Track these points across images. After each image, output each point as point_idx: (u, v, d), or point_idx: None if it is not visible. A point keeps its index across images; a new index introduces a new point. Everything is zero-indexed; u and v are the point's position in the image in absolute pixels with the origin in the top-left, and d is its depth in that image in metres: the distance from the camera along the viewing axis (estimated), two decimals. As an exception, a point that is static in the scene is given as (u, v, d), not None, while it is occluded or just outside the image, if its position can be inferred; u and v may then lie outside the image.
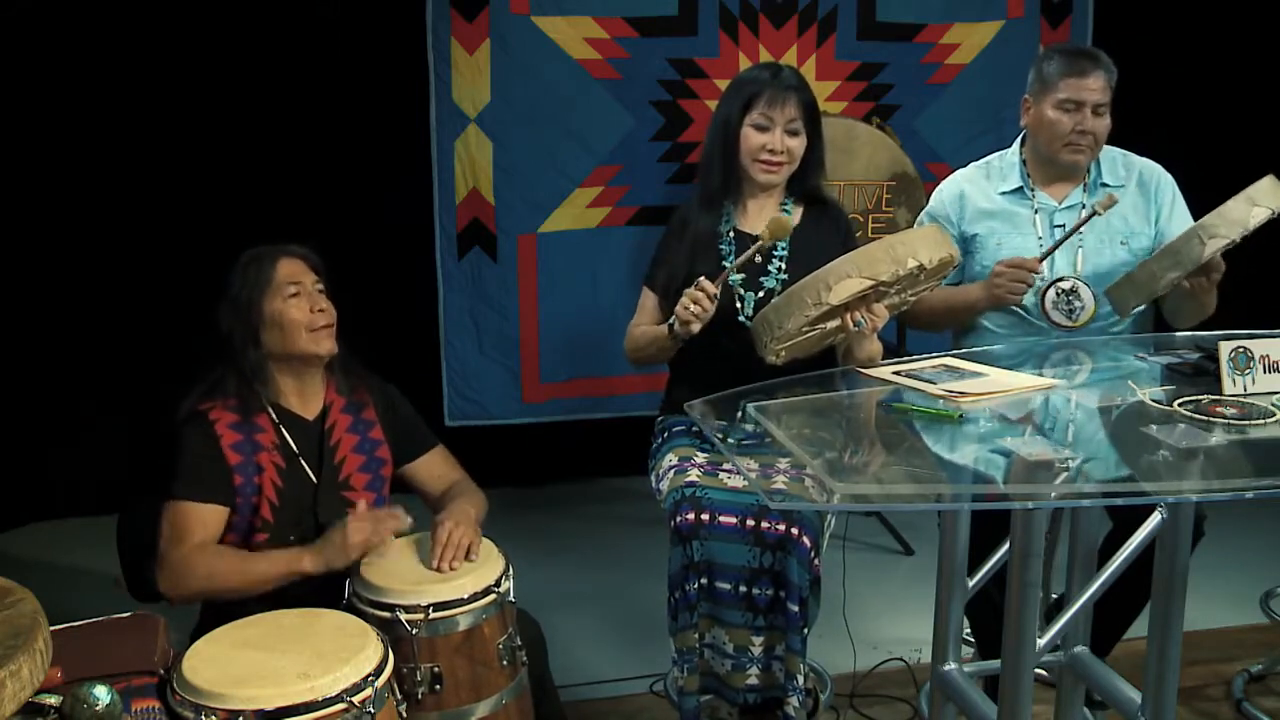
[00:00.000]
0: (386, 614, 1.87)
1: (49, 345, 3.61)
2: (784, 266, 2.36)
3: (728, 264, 2.35)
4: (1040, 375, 2.16)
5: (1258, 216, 2.16)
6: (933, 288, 2.31)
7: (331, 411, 2.14)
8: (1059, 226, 2.47)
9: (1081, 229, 2.36)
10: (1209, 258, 2.18)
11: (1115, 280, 2.35)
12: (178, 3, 3.45)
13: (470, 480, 2.28)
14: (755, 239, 2.38)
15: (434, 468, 2.27)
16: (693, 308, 2.16)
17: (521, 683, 2.02)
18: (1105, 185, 2.48)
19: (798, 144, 2.34)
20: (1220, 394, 1.92)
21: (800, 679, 2.11)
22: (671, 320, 2.23)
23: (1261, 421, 1.83)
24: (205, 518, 1.97)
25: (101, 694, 1.46)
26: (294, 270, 2.08)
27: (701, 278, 2.19)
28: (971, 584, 2.05)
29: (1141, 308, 2.42)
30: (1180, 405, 1.87)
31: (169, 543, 1.95)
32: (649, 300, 2.46)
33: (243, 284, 2.06)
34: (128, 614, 1.80)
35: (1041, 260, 2.35)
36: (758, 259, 2.35)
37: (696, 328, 2.19)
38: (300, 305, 2.06)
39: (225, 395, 2.05)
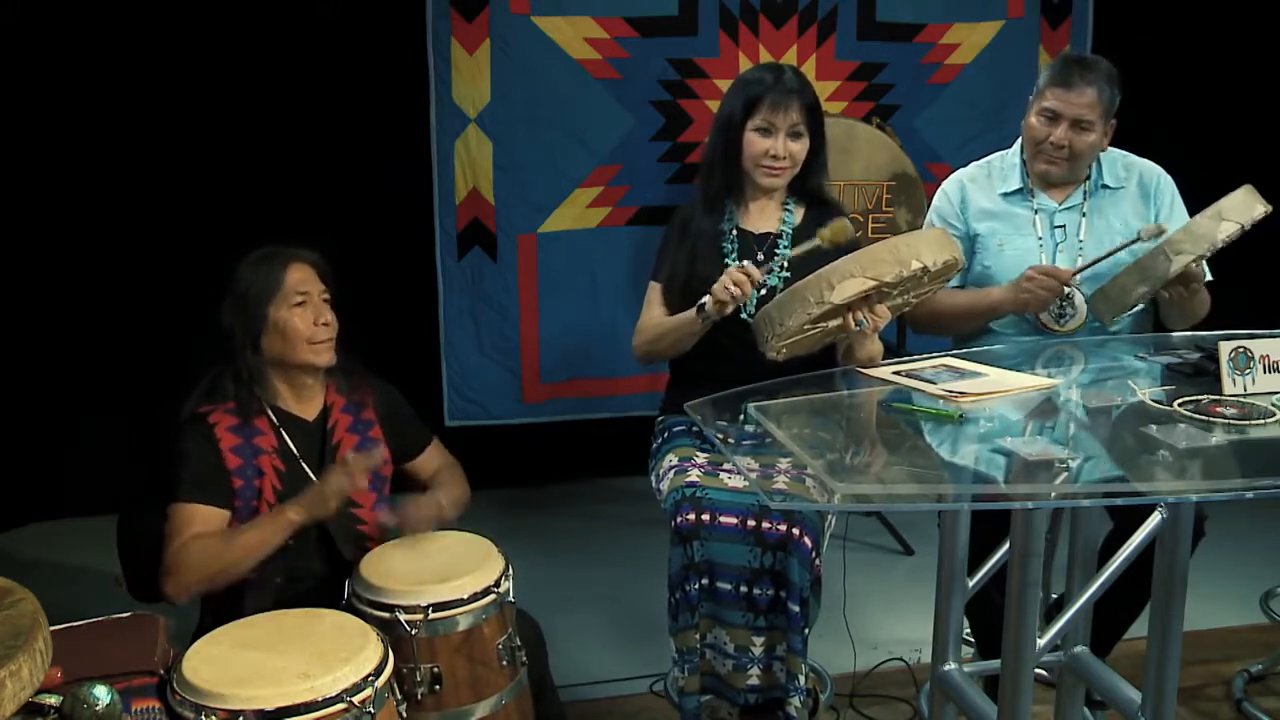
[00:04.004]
0: (386, 614, 1.87)
1: (50, 346, 3.60)
2: (785, 265, 2.36)
3: (731, 265, 2.34)
4: (1040, 375, 2.16)
5: (1226, 231, 2.15)
6: (936, 290, 2.31)
7: (332, 412, 2.14)
8: (1059, 227, 2.47)
9: (1119, 244, 2.36)
10: (1175, 274, 2.18)
11: (1091, 294, 2.36)
12: (178, 3, 3.45)
13: (457, 468, 2.31)
14: (758, 237, 2.39)
15: (431, 462, 2.29)
16: (733, 289, 2.14)
17: (521, 683, 2.02)
18: (1105, 187, 2.48)
19: (800, 147, 2.34)
20: (1220, 394, 1.92)
21: (801, 679, 2.11)
22: (703, 301, 2.21)
23: (1261, 421, 1.83)
24: (208, 519, 1.97)
25: (101, 694, 1.46)
26: (303, 278, 2.07)
27: (747, 262, 2.18)
28: (971, 584, 2.05)
29: (1124, 317, 2.42)
30: (1180, 405, 1.87)
31: (169, 543, 1.95)
32: (656, 294, 2.45)
33: (250, 284, 2.05)
34: (128, 614, 1.79)
35: (1076, 274, 2.35)
36: (777, 264, 2.35)
37: (730, 309, 2.18)
38: (305, 316, 2.05)
39: (225, 398, 2.04)
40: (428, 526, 2.11)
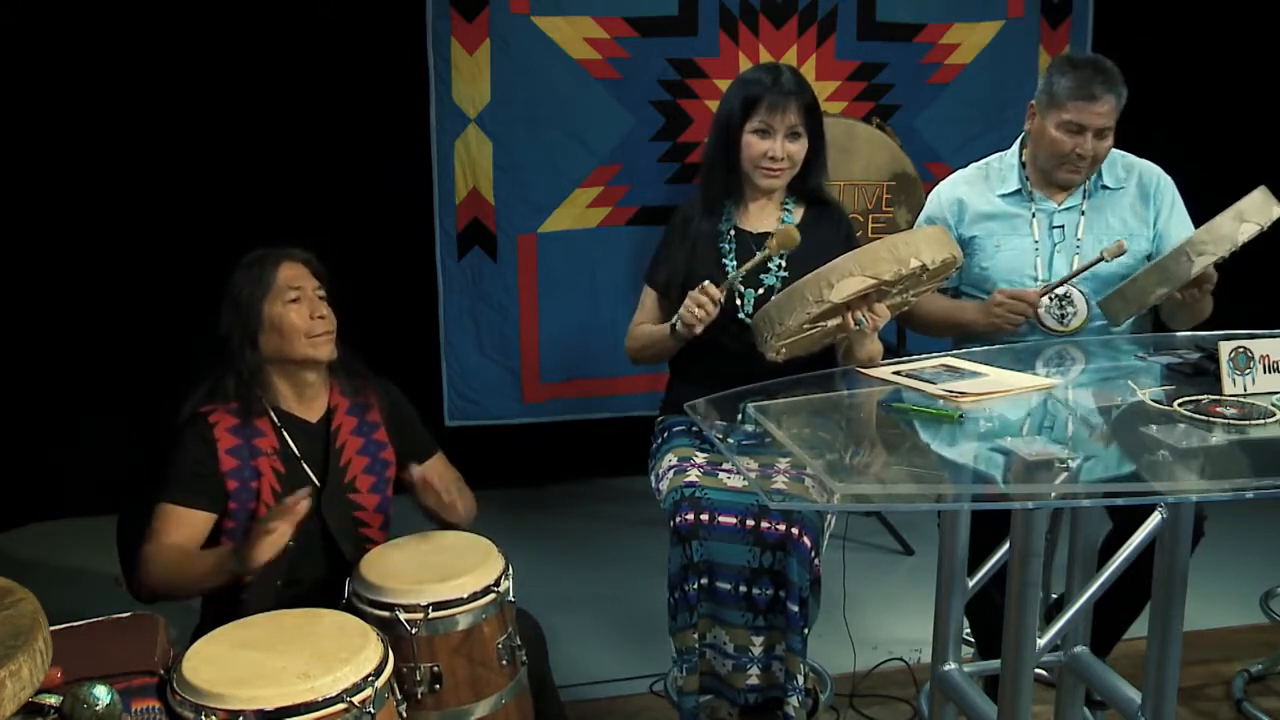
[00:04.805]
0: (386, 613, 1.87)
1: (49, 345, 3.60)
2: (784, 265, 2.36)
3: (730, 265, 2.35)
4: (1040, 375, 2.16)
5: (1246, 232, 2.16)
6: (935, 288, 2.31)
7: (337, 414, 2.13)
8: (1057, 228, 2.47)
9: (1083, 264, 2.36)
10: (1197, 274, 2.18)
11: (1107, 294, 2.36)
12: (178, 3, 3.45)
13: (463, 482, 2.28)
14: (756, 237, 2.39)
15: (437, 472, 2.26)
16: (697, 311, 2.17)
17: (521, 682, 2.02)
18: (1105, 187, 2.48)
19: (798, 148, 2.34)
20: (1220, 394, 1.92)
21: (800, 679, 2.11)
22: (674, 321, 2.23)
23: (1261, 421, 1.83)
24: (187, 521, 1.97)
25: (101, 694, 1.46)
26: (295, 274, 2.07)
27: (706, 282, 2.19)
28: (971, 584, 2.05)
29: (1134, 317, 2.42)
30: (1180, 405, 1.87)
31: (146, 540, 1.96)
32: (649, 298, 2.47)
33: (243, 286, 2.05)
34: (128, 614, 1.79)
35: (1043, 295, 2.36)
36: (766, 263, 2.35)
37: (699, 329, 2.20)
38: (300, 311, 2.05)
39: (226, 398, 2.04)
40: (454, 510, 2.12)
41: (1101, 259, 2.32)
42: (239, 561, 1.86)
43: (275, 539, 1.84)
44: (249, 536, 1.88)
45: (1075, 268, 2.38)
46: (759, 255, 2.22)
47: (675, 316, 2.23)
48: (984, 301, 2.42)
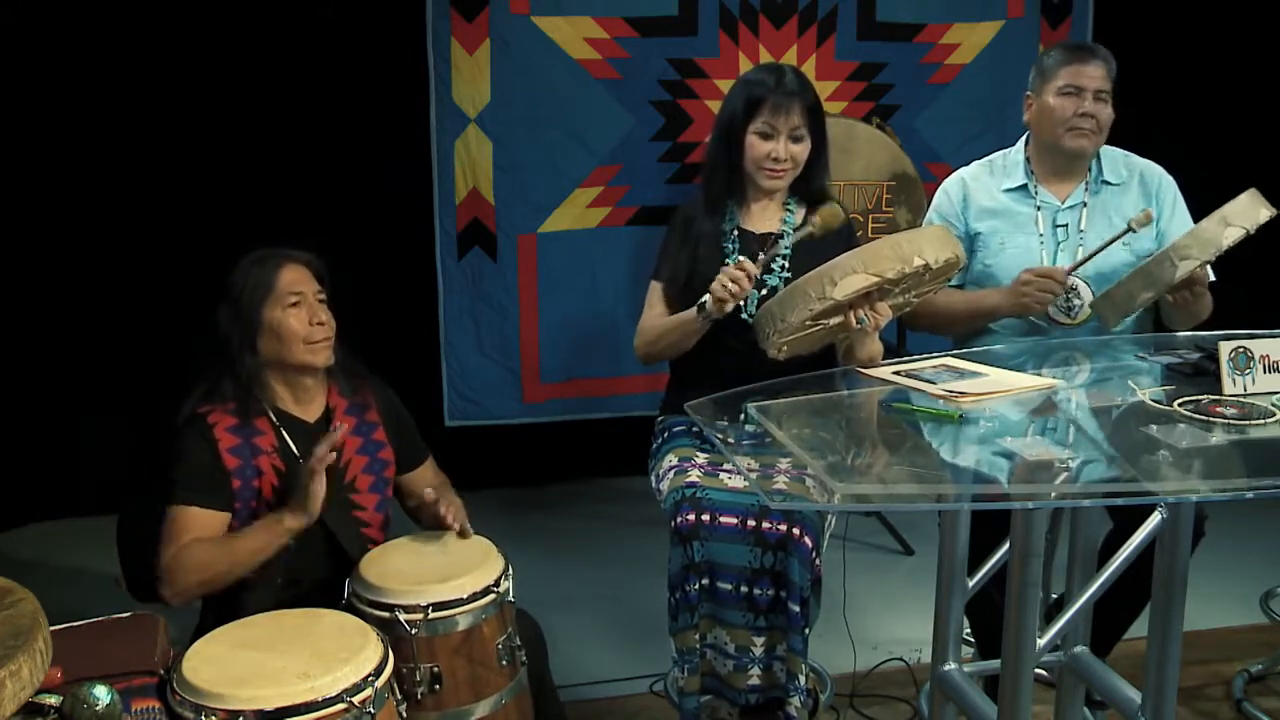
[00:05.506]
0: (386, 614, 1.87)
1: (49, 346, 3.60)
2: (786, 265, 2.36)
3: (730, 260, 2.35)
4: (1040, 375, 2.16)
5: (1231, 236, 2.15)
6: (937, 289, 2.31)
7: (336, 414, 2.13)
8: (1061, 226, 2.47)
9: (1110, 237, 2.36)
10: (1181, 279, 2.18)
11: (1096, 297, 2.36)
12: (178, 3, 3.45)
13: (450, 486, 2.28)
14: (759, 237, 2.39)
15: (426, 478, 2.26)
16: (731, 286, 2.15)
17: (521, 682, 2.02)
18: (1107, 183, 2.48)
19: (801, 150, 2.34)
20: (1220, 394, 1.92)
21: (802, 679, 2.11)
22: (703, 300, 2.21)
23: (1261, 421, 1.83)
24: (206, 522, 1.96)
25: (101, 694, 1.46)
26: (297, 278, 2.06)
27: (742, 257, 2.18)
28: (971, 584, 2.05)
29: (1128, 320, 2.42)
30: (1180, 405, 1.88)
31: (166, 546, 1.94)
32: (657, 294, 2.45)
33: (244, 288, 2.04)
34: (128, 614, 1.80)
35: (1070, 271, 2.36)
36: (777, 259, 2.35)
37: (730, 307, 2.18)
38: (300, 316, 2.04)
39: (224, 399, 2.04)
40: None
41: (1130, 229, 2.31)
42: (296, 516, 1.93)
43: (319, 478, 1.93)
44: (296, 491, 1.96)
45: (1103, 241, 2.36)
46: (802, 231, 2.22)
47: (703, 296, 2.20)
48: (1007, 286, 2.40)
